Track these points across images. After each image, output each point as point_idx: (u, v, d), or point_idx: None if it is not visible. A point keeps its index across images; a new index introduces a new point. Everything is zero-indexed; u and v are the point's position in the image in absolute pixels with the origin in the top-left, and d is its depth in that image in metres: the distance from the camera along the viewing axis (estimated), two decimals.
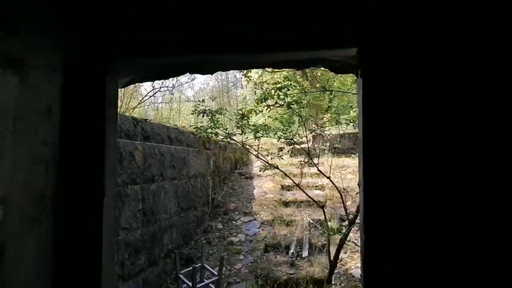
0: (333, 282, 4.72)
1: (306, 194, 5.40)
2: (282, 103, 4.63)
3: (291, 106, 4.67)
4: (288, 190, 8.33)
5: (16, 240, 1.44)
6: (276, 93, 4.52)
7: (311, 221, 6.57)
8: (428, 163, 1.53)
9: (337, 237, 4.81)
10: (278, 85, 4.55)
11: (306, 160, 5.76)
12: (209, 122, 5.42)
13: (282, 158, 6.63)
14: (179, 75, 2.23)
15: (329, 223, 5.18)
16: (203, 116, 5.39)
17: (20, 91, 1.47)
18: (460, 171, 1.51)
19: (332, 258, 4.68)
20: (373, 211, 1.57)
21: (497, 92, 1.51)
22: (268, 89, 4.92)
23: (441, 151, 1.52)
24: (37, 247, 1.56)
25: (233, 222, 7.06)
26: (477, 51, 1.53)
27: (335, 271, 4.92)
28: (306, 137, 5.42)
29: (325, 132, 7.27)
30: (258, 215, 7.21)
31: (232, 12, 1.69)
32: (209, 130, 5.42)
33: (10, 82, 1.42)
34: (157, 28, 1.73)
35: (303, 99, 5.00)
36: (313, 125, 6.38)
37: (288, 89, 4.55)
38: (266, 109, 4.84)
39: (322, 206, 5.07)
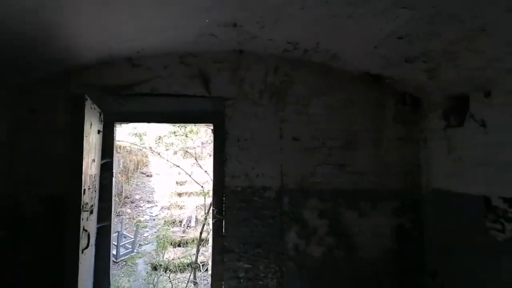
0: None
1: (193, 179, 8.24)
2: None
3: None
4: (181, 185, 11.08)
5: None
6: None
7: (198, 205, 9.46)
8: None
9: None
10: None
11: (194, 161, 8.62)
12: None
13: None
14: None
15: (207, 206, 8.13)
16: None
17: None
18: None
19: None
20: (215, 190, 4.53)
21: None
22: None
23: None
24: None
25: (140, 208, 9.51)
26: None
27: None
28: (194, 149, 8.30)
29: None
30: (158, 203, 9.79)
31: None
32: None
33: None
34: None
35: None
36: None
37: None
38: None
39: (202, 187, 7.96)
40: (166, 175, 11.46)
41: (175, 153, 11.87)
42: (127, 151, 11.08)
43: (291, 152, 4.24)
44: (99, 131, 3.87)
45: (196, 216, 8.96)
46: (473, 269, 3.48)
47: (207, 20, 3.41)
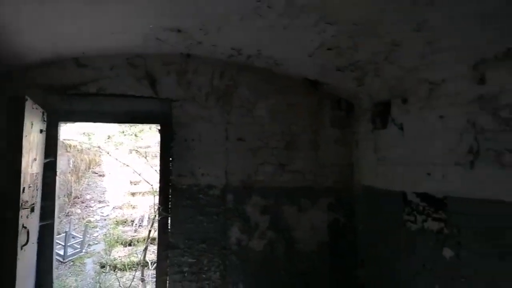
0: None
1: (143, 178, 8.25)
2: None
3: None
4: (135, 185, 10.96)
5: None
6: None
7: (152, 204, 9.44)
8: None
9: None
10: None
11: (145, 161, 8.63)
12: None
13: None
14: None
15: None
16: None
17: None
18: None
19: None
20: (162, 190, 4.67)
21: None
22: None
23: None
24: None
25: (90, 208, 9.33)
26: None
27: None
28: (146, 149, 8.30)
29: None
30: (110, 202, 9.66)
31: None
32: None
33: None
34: None
35: None
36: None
37: None
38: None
39: (152, 186, 7.98)
40: (119, 174, 11.29)
41: (130, 152, 11.74)
42: (78, 150, 10.79)
43: (236, 152, 4.48)
44: (41, 131, 3.88)
45: (149, 215, 8.95)
46: (393, 257, 3.91)
47: (151, 26, 3.56)
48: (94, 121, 4.58)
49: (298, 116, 4.70)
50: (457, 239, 3.06)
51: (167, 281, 4.17)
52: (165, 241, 4.22)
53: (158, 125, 4.54)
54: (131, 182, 11.11)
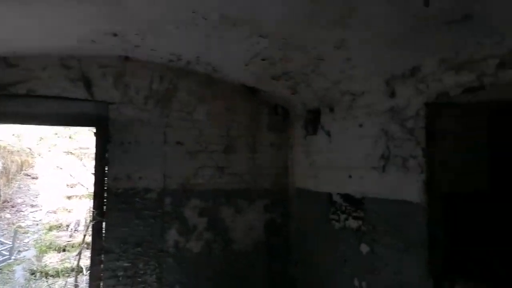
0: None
1: (78, 181, 7.97)
2: None
3: None
4: (72, 187, 10.47)
5: None
6: None
7: (88, 208, 9.10)
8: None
9: None
10: None
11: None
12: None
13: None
14: None
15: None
16: None
17: None
18: None
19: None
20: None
21: None
22: None
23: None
24: None
25: (21, 212, 8.77)
26: None
27: None
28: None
29: None
30: (43, 206, 9.15)
31: None
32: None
33: None
34: None
35: None
36: None
37: None
38: None
39: (87, 189, 7.76)
40: (54, 177, 10.71)
41: (67, 154, 11.19)
42: (8, 152, 10.07)
43: (175, 155, 4.54)
44: None
45: (85, 219, 8.62)
46: (320, 254, 4.22)
47: (85, 29, 3.52)
48: (26, 123, 4.38)
49: (237, 120, 4.88)
50: (372, 235, 3.42)
51: (101, 286, 4.12)
52: (99, 246, 4.17)
53: (94, 128, 4.46)
54: (67, 185, 10.60)
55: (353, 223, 3.68)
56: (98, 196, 4.28)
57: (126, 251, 4.21)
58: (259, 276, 4.77)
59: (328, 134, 4.17)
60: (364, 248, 3.50)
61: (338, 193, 3.95)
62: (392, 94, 3.25)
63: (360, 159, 3.61)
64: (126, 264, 4.19)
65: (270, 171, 4.98)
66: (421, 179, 2.91)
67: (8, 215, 8.62)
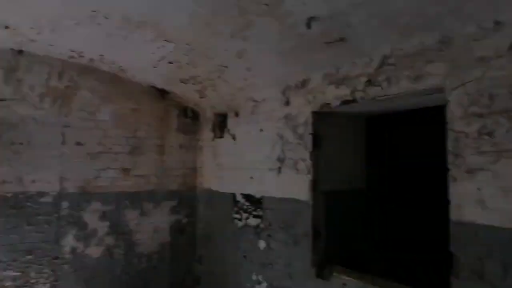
0: None
1: None
2: None
3: None
4: None
5: None
6: None
7: None
8: None
9: None
10: None
11: None
12: None
13: None
14: None
15: None
16: None
17: None
18: None
19: None
20: None
21: None
22: None
23: None
24: None
25: None
26: None
27: None
28: None
29: None
30: None
31: None
32: None
33: None
34: None
35: None
36: None
37: None
38: None
39: None
40: None
41: None
42: None
43: (74, 157, 4.32)
44: None
45: None
46: (224, 252, 4.41)
47: None
48: None
49: (145, 121, 4.83)
50: (268, 232, 3.71)
51: None
52: None
53: None
54: None
55: (253, 221, 3.94)
56: None
57: (16, 260, 3.88)
58: (163, 276, 4.78)
59: (234, 137, 4.39)
60: (262, 244, 3.77)
61: (241, 193, 4.18)
62: (287, 103, 3.58)
63: (260, 161, 3.89)
64: (14, 274, 3.86)
65: (178, 172, 5.03)
66: (308, 179, 3.26)
67: None
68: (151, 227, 4.76)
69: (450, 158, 2.21)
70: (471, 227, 2.11)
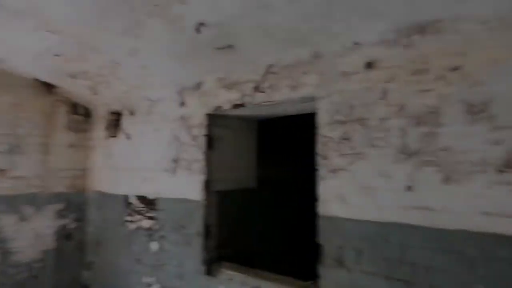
0: None
1: None
2: None
3: None
4: None
5: None
6: None
7: None
8: None
9: None
10: None
11: None
12: None
13: None
14: None
15: None
16: None
17: None
18: None
19: None
20: None
21: None
22: None
23: None
24: None
25: None
26: None
27: None
28: None
29: None
30: None
31: None
32: None
33: None
34: None
35: None
36: None
37: None
38: None
39: None
40: None
41: None
42: None
43: None
44: None
45: None
46: (115, 256, 4.23)
47: None
48: None
49: (27, 118, 4.37)
50: (161, 233, 3.68)
51: None
52: None
53: None
54: None
55: (146, 223, 3.86)
56: None
57: None
58: (45, 286, 4.38)
59: (129, 137, 4.24)
60: (154, 246, 3.73)
61: (134, 195, 4.06)
62: (183, 104, 3.61)
63: (155, 162, 3.84)
64: None
65: (66, 173, 4.66)
66: (201, 179, 3.34)
67: None
68: (33, 234, 4.33)
69: (319, 160, 2.50)
70: (335, 220, 2.41)
